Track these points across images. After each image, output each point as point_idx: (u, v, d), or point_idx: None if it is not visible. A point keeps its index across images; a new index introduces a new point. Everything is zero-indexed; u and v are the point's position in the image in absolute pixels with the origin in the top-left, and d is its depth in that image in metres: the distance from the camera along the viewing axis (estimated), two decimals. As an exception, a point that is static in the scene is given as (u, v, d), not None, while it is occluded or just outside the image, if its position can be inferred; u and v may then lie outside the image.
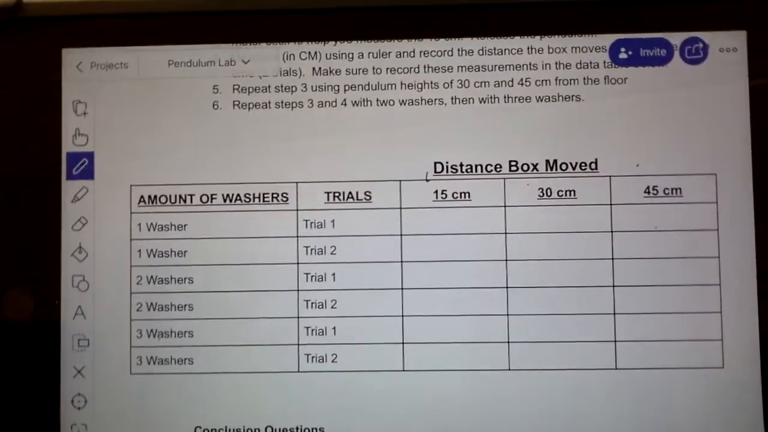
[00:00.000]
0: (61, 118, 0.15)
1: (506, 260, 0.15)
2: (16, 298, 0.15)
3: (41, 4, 0.15)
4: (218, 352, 0.15)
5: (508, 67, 0.15)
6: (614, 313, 0.15)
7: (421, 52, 0.15)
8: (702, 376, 0.14)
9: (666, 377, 0.14)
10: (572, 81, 0.15)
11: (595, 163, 0.15)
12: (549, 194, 0.15)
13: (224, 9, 0.15)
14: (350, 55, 0.15)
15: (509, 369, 0.14)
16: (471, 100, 0.15)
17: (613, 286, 0.15)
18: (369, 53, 0.15)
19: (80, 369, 0.15)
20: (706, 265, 0.15)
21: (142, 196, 0.15)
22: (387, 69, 0.15)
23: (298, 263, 0.15)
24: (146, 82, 0.15)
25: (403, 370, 0.15)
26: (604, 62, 0.15)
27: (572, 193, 0.15)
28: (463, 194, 0.15)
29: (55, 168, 0.15)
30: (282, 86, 0.15)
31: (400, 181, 0.15)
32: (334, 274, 0.15)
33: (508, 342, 0.15)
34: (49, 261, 0.15)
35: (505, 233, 0.15)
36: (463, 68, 0.15)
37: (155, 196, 0.15)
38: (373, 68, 0.15)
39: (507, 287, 0.15)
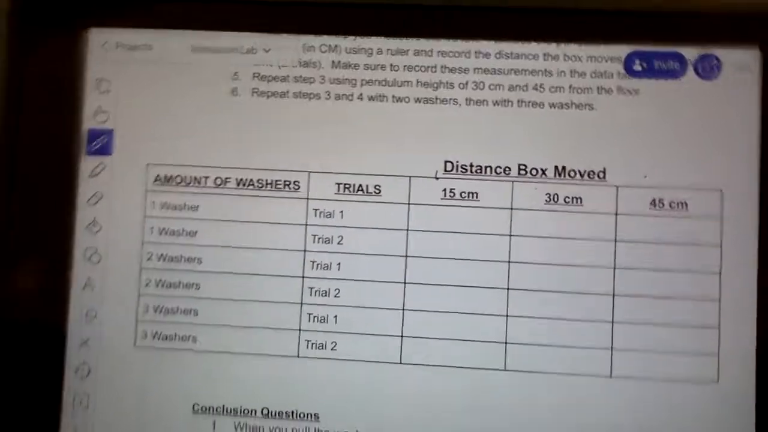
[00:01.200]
0: (84, 95, 0.16)
1: (509, 262, 0.15)
2: (29, 266, 0.15)
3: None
4: (221, 332, 0.15)
5: (523, 71, 0.15)
6: (612, 322, 0.15)
7: (438, 51, 0.15)
8: (696, 389, 0.14)
9: (660, 388, 0.14)
10: (586, 89, 0.15)
11: (604, 172, 0.15)
12: (556, 200, 0.15)
13: None
14: (369, 51, 0.15)
15: (505, 369, 0.15)
16: (485, 102, 0.15)
17: (613, 294, 0.15)
18: (387, 50, 0.15)
19: (86, 339, 0.15)
20: (707, 280, 0.15)
21: (157, 175, 0.15)
22: (404, 66, 0.15)
23: (305, 251, 0.15)
24: (169, 65, 0.16)
25: (400, 363, 0.15)
26: (618, 72, 0.15)
27: (579, 200, 0.15)
28: (471, 194, 0.15)
29: (75, 143, 0.15)
30: (301, 77, 0.15)
31: (410, 177, 0.15)
32: (339, 264, 0.15)
33: (506, 342, 0.15)
34: (64, 233, 0.15)
35: (510, 235, 0.15)
36: (479, 70, 0.15)
37: (170, 176, 0.15)
38: (391, 65, 0.15)
39: (508, 288, 0.15)
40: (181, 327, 0.15)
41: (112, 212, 0.15)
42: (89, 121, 0.16)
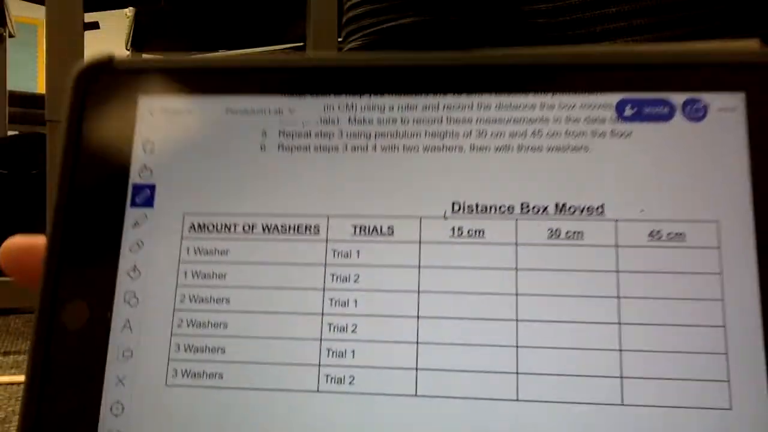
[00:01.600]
0: (131, 155, 0.18)
1: (516, 294, 0.16)
2: (74, 308, 0.17)
3: (126, 61, 0.18)
4: (245, 369, 0.16)
5: (522, 120, 0.17)
6: (620, 350, 0.15)
7: (444, 105, 0.17)
8: (710, 415, 0.15)
9: (672, 415, 0.15)
10: (581, 134, 0.16)
11: (602, 207, 0.16)
12: (558, 235, 0.16)
13: (275, 66, 0.18)
14: (382, 107, 0.17)
15: (517, 399, 0.15)
16: (488, 148, 0.17)
17: (619, 323, 0.15)
18: (398, 106, 0.17)
19: (122, 378, 0.16)
20: (710, 307, 0.15)
21: (192, 224, 0.17)
22: (413, 120, 0.17)
23: (324, 289, 0.16)
24: (205, 125, 0.18)
25: (416, 395, 0.15)
26: (611, 117, 0.16)
27: (580, 234, 0.16)
28: (478, 231, 0.16)
29: (121, 197, 0.17)
30: (321, 132, 0.17)
31: (421, 217, 0.16)
32: (356, 301, 0.16)
33: (517, 373, 0.15)
34: (107, 278, 0.17)
35: (516, 269, 0.16)
36: (481, 120, 0.17)
37: (204, 224, 0.17)
38: (402, 119, 0.17)
39: (517, 320, 0.16)
40: (208, 365, 0.16)
41: (150, 259, 0.17)
42: (135, 177, 0.17)
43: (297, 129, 0.17)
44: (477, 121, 0.17)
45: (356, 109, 0.17)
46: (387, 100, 0.17)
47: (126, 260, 0.17)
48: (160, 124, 0.18)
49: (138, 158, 0.18)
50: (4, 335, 1.42)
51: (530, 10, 0.40)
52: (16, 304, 1.39)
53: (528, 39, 0.42)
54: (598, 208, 0.16)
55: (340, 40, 0.48)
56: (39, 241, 0.18)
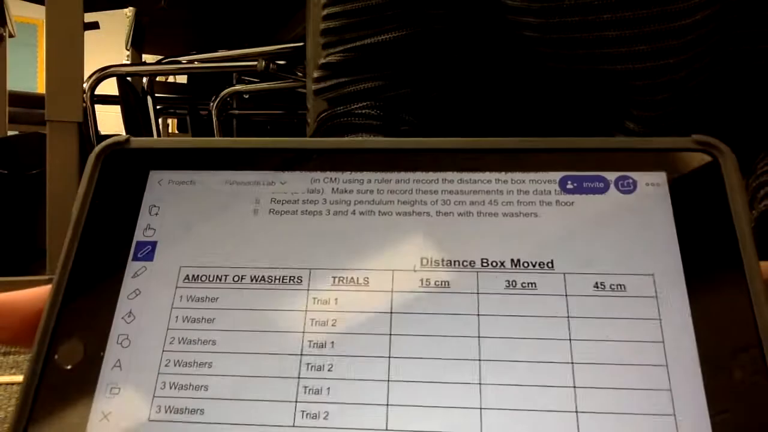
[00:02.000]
0: (138, 215, 0.20)
1: (479, 337, 0.17)
2: (70, 346, 0.18)
3: (140, 141, 0.21)
4: (226, 405, 0.17)
5: (480, 191, 0.20)
6: (574, 386, 0.16)
7: (414, 179, 0.20)
8: (660, 446, 0.15)
9: (625, 445, 0.16)
10: (530, 203, 0.19)
11: (552, 263, 0.18)
12: (514, 285, 0.18)
13: (269, 147, 0.21)
14: (361, 181, 0.20)
15: (481, 432, 0.16)
16: (451, 213, 0.19)
17: (572, 362, 0.17)
18: (375, 180, 0.20)
19: (107, 414, 0.17)
20: (652, 348, 0.17)
21: (187, 275, 0.19)
22: (388, 191, 0.20)
23: (303, 332, 0.18)
24: (206, 193, 0.20)
25: (386, 430, 0.16)
26: (555, 190, 0.19)
27: (533, 285, 0.18)
28: (444, 282, 0.18)
29: (125, 251, 0.19)
30: (308, 200, 0.20)
31: (393, 270, 0.18)
32: (333, 342, 0.18)
33: (481, 408, 0.16)
34: (104, 321, 0.18)
35: (478, 314, 0.18)
36: (446, 191, 0.20)
37: (197, 275, 0.19)
38: (377, 190, 0.20)
39: (480, 360, 0.17)
40: (191, 401, 0.17)
41: (145, 305, 0.19)
42: (139, 235, 0.20)
43: (287, 197, 0.20)
44: (442, 192, 0.20)
45: (339, 182, 0.20)
46: (365, 175, 0.20)
47: (123, 306, 0.19)
48: (166, 192, 0.20)
49: (144, 219, 0.20)
50: None
51: (518, 22, 0.38)
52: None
53: (515, 51, 0.40)
54: (548, 263, 0.18)
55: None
56: (16, 297, 0.19)
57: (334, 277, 0.19)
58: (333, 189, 0.20)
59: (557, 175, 0.20)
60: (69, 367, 0.18)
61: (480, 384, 0.17)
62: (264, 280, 0.19)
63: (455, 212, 0.19)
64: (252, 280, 0.19)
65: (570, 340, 0.17)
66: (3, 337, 0.19)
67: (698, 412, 0.16)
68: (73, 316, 0.18)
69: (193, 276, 0.19)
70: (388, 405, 0.17)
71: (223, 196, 0.20)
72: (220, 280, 0.19)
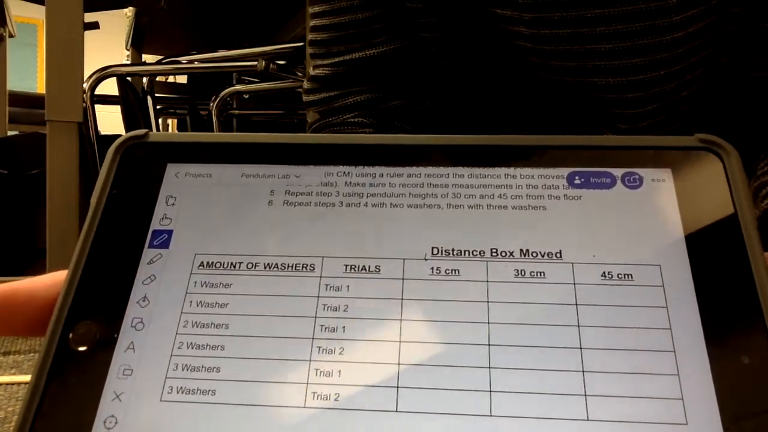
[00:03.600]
0: (155, 206, 0.20)
1: (488, 323, 0.18)
2: (84, 329, 0.18)
3: (158, 135, 0.21)
4: (237, 386, 0.17)
5: (490, 185, 0.20)
6: (583, 371, 0.17)
7: (425, 174, 0.20)
8: (667, 430, 0.16)
9: (634, 428, 0.16)
10: (539, 197, 0.20)
11: (560, 253, 0.19)
12: (523, 274, 0.18)
13: (284, 142, 0.21)
14: (373, 174, 0.20)
15: (491, 415, 0.16)
16: (462, 206, 0.20)
17: (580, 348, 0.17)
18: (387, 174, 0.20)
19: (119, 394, 0.17)
20: (659, 334, 0.17)
21: (202, 262, 0.19)
22: (399, 184, 0.20)
23: (315, 317, 0.18)
24: (223, 186, 0.21)
25: (396, 411, 0.17)
26: (563, 185, 0.20)
27: (542, 273, 0.18)
28: (454, 270, 0.19)
29: (142, 239, 0.20)
30: (321, 192, 0.20)
31: (404, 259, 0.19)
32: (344, 327, 0.18)
33: (490, 391, 0.17)
34: (119, 305, 0.19)
35: (487, 301, 0.18)
36: (456, 185, 0.20)
37: (212, 262, 0.19)
38: (389, 183, 0.20)
39: (489, 344, 0.17)
40: (203, 383, 0.17)
41: (160, 290, 0.19)
42: (155, 224, 0.20)
43: (301, 190, 0.20)
44: (453, 186, 0.20)
45: (352, 176, 0.21)
46: (378, 170, 0.21)
47: (138, 290, 0.19)
48: (183, 184, 0.21)
49: (161, 209, 0.20)
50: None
51: (509, 32, 0.37)
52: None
53: (506, 61, 0.40)
54: (556, 254, 0.19)
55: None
56: (32, 285, 0.19)
57: (346, 265, 0.19)
58: (346, 182, 0.20)
59: (565, 171, 0.20)
60: (83, 348, 0.18)
61: (489, 368, 0.17)
62: (277, 267, 0.19)
63: (465, 205, 0.20)
64: (265, 268, 0.19)
65: (578, 326, 0.17)
66: (20, 325, 0.19)
67: (705, 395, 0.16)
68: (88, 300, 0.19)
69: (208, 263, 0.19)
70: (398, 387, 0.17)
71: (239, 187, 0.21)
72: (234, 267, 0.19)
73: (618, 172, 0.20)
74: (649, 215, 0.19)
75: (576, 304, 0.18)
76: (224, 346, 0.18)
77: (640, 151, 0.20)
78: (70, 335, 0.18)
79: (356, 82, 0.44)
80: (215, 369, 0.18)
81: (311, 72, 0.45)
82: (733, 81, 0.38)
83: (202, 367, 0.18)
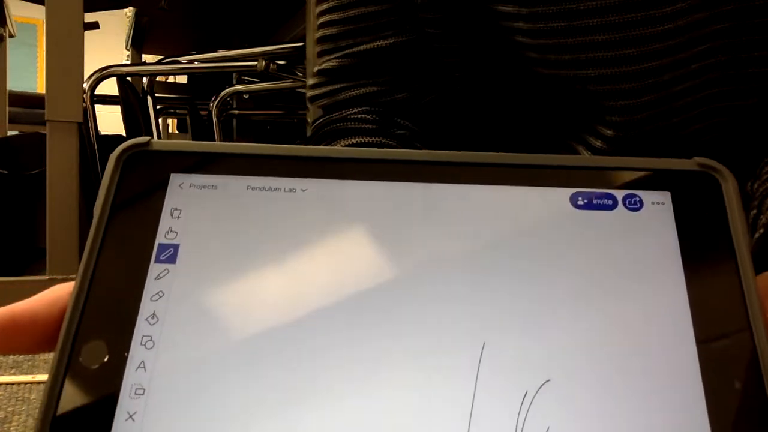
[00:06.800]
0: (160, 218, 0.20)
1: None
2: (94, 347, 0.18)
3: (161, 143, 0.21)
4: (253, 404, 0.17)
5: (492, 203, 0.20)
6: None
7: (429, 188, 0.20)
8: None
9: None
10: (541, 217, 0.20)
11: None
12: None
13: (291, 155, 0.21)
14: (379, 189, 0.20)
15: None
16: (463, 222, 0.20)
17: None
18: (393, 188, 0.20)
19: (132, 414, 0.17)
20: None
21: (210, 279, 0.19)
22: (406, 199, 0.20)
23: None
24: (227, 198, 0.21)
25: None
26: (566, 206, 0.20)
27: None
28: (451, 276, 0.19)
29: (147, 253, 0.20)
30: (329, 207, 0.20)
31: (406, 264, 0.19)
32: (338, 313, 0.18)
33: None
34: (128, 322, 0.19)
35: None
36: (459, 201, 0.20)
37: (220, 279, 0.19)
38: (395, 198, 0.20)
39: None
40: (218, 401, 0.17)
41: (169, 307, 0.19)
42: (161, 237, 0.20)
43: (307, 204, 0.20)
44: (455, 200, 0.20)
45: (361, 190, 0.20)
46: (384, 184, 0.20)
47: (146, 307, 0.19)
48: (187, 196, 0.21)
49: (165, 222, 0.20)
50: None
51: (509, 28, 0.38)
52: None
53: (507, 58, 0.41)
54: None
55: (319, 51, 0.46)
56: (33, 307, 0.19)
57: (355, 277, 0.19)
58: (355, 197, 0.20)
59: (568, 192, 0.20)
60: (93, 367, 0.18)
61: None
62: (287, 281, 0.19)
63: (466, 222, 0.20)
64: (274, 284, 0.19)
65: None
66: (27, 346, 0.19)
67: (699, 420, 0.16)
68: (96, 318, 0.19)
69: (216, 280, 0.19)
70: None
71: (245, 201, 0.21)
72: (243, 284, 0.19)
73: (620, 193, 0.20)
74: (647, 238, 0.19)
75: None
76: (235, 364, 0.18)
77: (641, 172, 0.21)
78: (80, 355, 0.18)
79: (362, 74, 0.44)
80: (231, 387, 0.18)
81: (318, 68, 0.46)
82: (733, 79, 0.38)
83: (216, 385, 0.18)
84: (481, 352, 0.18)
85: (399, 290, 0.19)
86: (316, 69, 0.46)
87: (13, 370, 1.12)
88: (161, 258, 0.20)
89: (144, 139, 0.21)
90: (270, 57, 1.72)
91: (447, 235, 0.20)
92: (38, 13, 1.64)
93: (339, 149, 0.22)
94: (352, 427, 0.17)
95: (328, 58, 0.45)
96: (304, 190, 0.21)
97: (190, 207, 0.20)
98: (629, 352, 0.18)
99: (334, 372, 0.18)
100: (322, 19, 0.44)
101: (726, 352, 0.17)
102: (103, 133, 1.75)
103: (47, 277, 1.31)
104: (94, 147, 1.68)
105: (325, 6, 0.44)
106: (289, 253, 0.20)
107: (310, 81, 0.47)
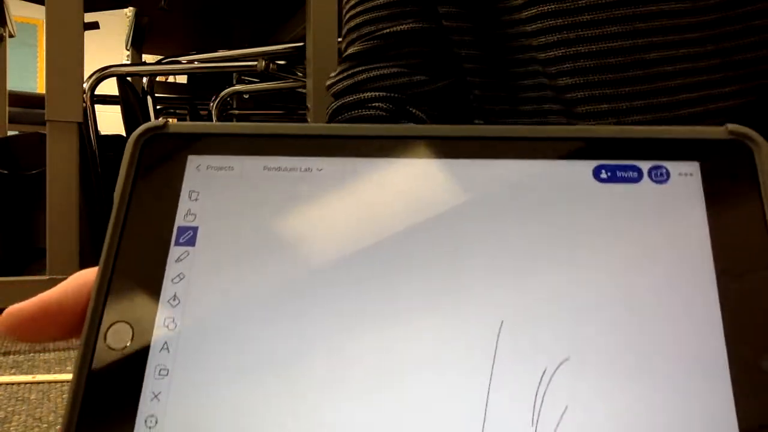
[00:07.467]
0: (178, 201, 0.20)
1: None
2: (118, 329, 0.18)
3: (177, 125, 0.21)
4: (277, 376, 0.17)
5: (513, 177, 0.20)
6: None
7: (450, 163, 0.20)
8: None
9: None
10: (563, 191, 0.19)
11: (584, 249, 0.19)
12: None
13: (305, 133, 0.21)
14: (397, 165, 0.20)
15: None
16: (483, 199, 0.20)
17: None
18: (410, 164, 0.20)
19: (157, 394, 0.17)
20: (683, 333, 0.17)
21: (230, 259, 0.19)
22: (425, 176, 0.20)
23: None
24: (245, 179, 0.20)
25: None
26: (588, 179, 0.19)
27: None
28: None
29: (167, 236, 0.20)
30: (346, 185, 0.20)
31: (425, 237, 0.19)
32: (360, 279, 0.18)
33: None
34: (150, 305, 0.19)
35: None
36: (480, 176, 0.20)
37: (240, 259, 0.19)
38: (414, 174, 0.20)
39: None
40: (240, 380, 0.17)
41: (190, 289, 0.19)
42: (180, 220, 0.20)
43: (324, 183, 0.20)
44: (477, 176, 0.20)
45: (378, 167, 0.20)
46: (402, 161, 0.20)
47: (168, 289, 0.19)
48: (205, 177, 0.20)
49: (184, 204, 0.20)
50: (4, 335, 1.32)
51: (508, 20, 0.41)
52: (16, 305, 1.27)
53: (508, 53, 0.43)
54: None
55: (340, 41, 0.50)
56: (44, 300, 0.19)
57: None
58: (372, 174, 0.20)
59: (591, 164, 0.20)
60: (118, 350, 0.18)
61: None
62: (305, 260, 0.19)
63: (487, 197, 0.19)
64: (292, 264, 0.19)
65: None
66: (58, 334, 0.19)
67: (725, 400, 0.16)
68: (120, 301, 0.19)
69: (235, 262, 0.19)
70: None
71: (261, 181, 0.20)
72: (261, 264, 0.19)
73: (645, 165, 0.19)
74: (675, 212, 0.19)
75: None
76: (259, 339, 0.18)
77: (668, 142, 0.20)
78: (106, 338, 0.18)
79: (382, 57, 0.46)
80: (251, 366, 0.17)
81: (342, 57, 0.49)
82: (721, 68, 0.39)
83: (239, 364, 0.18)
84: (500, 328, 0.17)
85: (418, 266, 0.19)
86: (342, 58, 0.49)
87: (13, 370, 1.12)
88: (181, 241, 0.20)
89: (160, 121, 0.21)
90: (270, 57, 1.72)
91: (466, 210, 0.19)
92: (38, 13, 1.64)
93: (355, 126, 0.21)
94: (370, 402, 0.17)
95: (351, 46, 0.47)
96: (320, 170, 0.20)
97: (208, 189, 0.20)
98: (653, 330, 0.17)
99: (355, 350, 0.18)
100: (349, 14, 0.48)
101: (755, 333, 0.17)
102: (103, 133, 1.75)
103: (47, 277, 1.31)
104: (94, 147, 1.67)
105: (352, 2, 0.47)
106: (307, 233, 0.20)
107: (332, 73, 0.49)
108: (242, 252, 0.19)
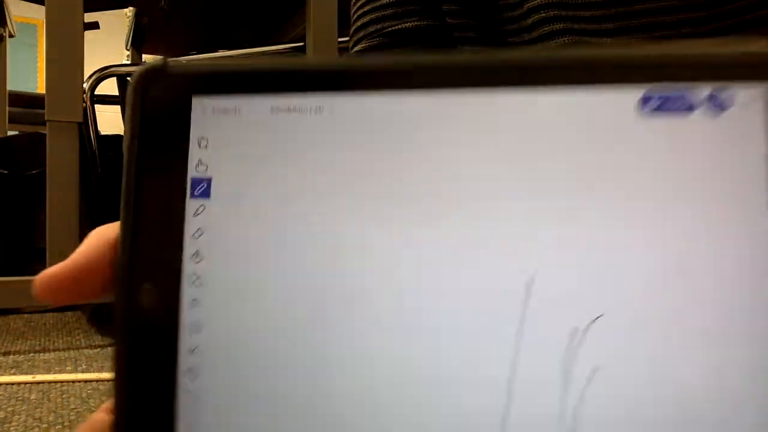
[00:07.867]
0: (188, 151, 0.19)
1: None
2: (147, 289, 0.18)
3: (178, 64, 0.20)
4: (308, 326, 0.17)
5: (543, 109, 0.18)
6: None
7: (470, 97, 0.18)
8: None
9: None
10: (602, 124, 0.17)
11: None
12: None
13: (313, 68, 0.19)
14: (418, 100, 0.18)
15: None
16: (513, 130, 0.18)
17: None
18: (431, 98, 0.18)
19: (193, 348, 0.18)
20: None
21: (247, 209, 0.18)
22: (445, 109, 0.19)
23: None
24: (253, 123, 0.19)
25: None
26: (632, 110, 0.17)
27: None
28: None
29: (182, 189, 0.19)
30: (361, 123, 0.18)
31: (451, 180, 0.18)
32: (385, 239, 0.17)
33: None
34: (174, 262, 0.18)
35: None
36: (508, 108, 0.18)
37: (257, 208, 0.18)
38: (434, 108, 0.19)
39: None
40: (272, 328, 0.17)
41: (211, 244, 0.18)
42: (192, 171, 0.19)
43: (337, 122, 0.19)
44: (502, 109, 0.18)
45: (395, 103, 0.18)
46: (423, 94, 0.18)
47: (190, 246, 0.18)
48: (212, 122, 0.19)
49: (194, 154, 0.19)
50: (4, 335, 1.37)
51: (509, 17, 0.43)
52: (16, 304, 1.27)
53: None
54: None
55: (340, 41, 0.54)
56: (75, 261, 0.19)
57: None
58: (388, 111, 0.19)
59: (637, 93, 0.17)
60: (150, 309, 0.18)
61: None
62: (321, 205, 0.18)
63: (518, 134, 0.18)
64: (309, 208, 0.18)
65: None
66: (90, 294, 0.20)
67: None
68: (146, 261, 0.18)
69: (253, 210, 0.18)
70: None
71: (270, 125, 0.19)
72: (278, 212, 0.18)
73: (700, 92, 0.17)
74: (734, 148, 0.16)
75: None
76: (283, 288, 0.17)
77: (727, 62, 0.17)
78: (137, 299, 0.18)
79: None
80: (284, 311, 0.17)
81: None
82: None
83: (270, 314, 0.17)
84: (533, 279, 0.16)
85: (444, 211, 0.17)
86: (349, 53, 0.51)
87: (13, 370, 1.12)
88: (196, 193, 0.19)
89: (160, 61, 0.20)
90: (270, 57, 1.71)
91: (495, 150, 0.18)
92: (38, 13, 1.64)
93: (368, 56, 0.20)
94: (400, 347, 0.16)
95: (358, 45, 0.48)
96: (332, 109, 0.19)
97: (217, 135, 0.19)
98: (699, 287, 0.16)
99: (389, 291, 0.17)
100: (356, 14, 0.48)
101: None
102: (103, 133, 1.74)
103: (47, 277, 1.29)
104: (94, 147, 1.66)
105: (360, 2, 0.49)
106: (323, 177, 0.18)
107: None
108: (257, 201, 0.18)
